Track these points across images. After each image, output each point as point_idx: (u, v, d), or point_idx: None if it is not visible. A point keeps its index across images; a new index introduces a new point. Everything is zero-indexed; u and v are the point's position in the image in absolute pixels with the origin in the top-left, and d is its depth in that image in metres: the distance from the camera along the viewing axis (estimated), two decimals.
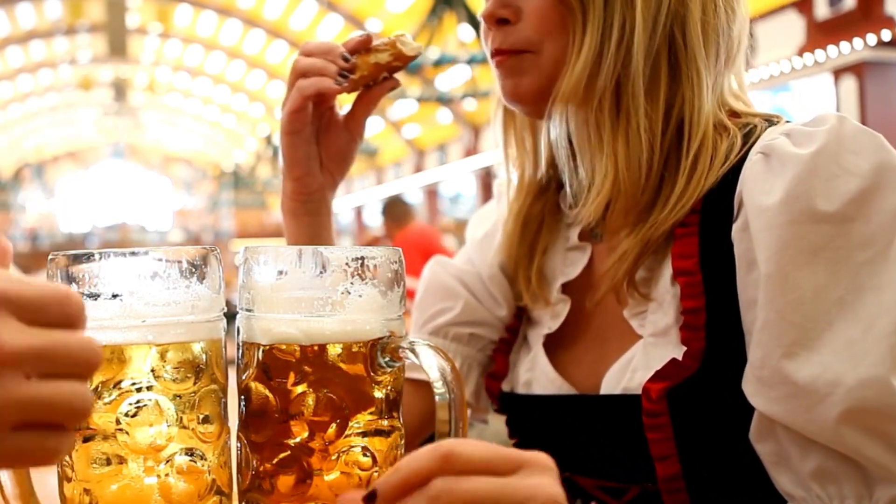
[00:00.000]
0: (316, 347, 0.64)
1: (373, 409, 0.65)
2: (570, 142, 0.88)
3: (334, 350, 0.64)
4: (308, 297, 0.64)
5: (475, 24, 8.54)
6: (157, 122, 31.69)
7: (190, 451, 0.63)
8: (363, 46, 0.92)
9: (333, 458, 0.64)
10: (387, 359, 0.65)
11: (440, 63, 8.21)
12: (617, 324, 0.87)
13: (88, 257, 0.62)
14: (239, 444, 0.68)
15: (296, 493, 0.64)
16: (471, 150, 19.38)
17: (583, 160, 0.87)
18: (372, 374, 0.65)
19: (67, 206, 34.73)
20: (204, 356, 0.65)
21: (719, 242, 0.76)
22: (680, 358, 0.78)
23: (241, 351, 0.68)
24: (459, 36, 8.82)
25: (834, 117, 0.74)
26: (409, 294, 3.33)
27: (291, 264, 0.65)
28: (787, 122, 0.81)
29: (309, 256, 0.65)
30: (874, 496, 0.66)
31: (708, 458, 0.77)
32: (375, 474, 0.65)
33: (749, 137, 0.80)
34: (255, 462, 0.65)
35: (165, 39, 24.85)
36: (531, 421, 0.95)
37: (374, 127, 22.81)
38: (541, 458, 0.52)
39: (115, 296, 0.62)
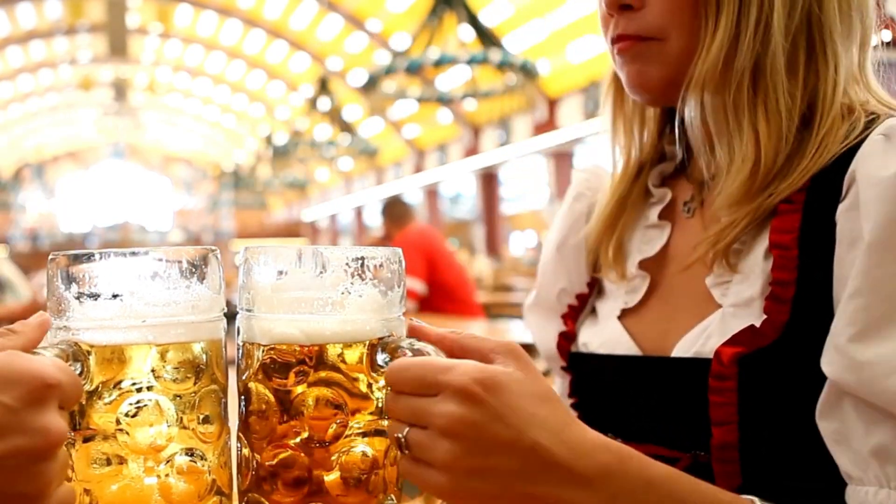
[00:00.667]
0: (316, 347, 0.64)
1: (373, 409, 0.65)
2: (704, 124, 0.87)
3: (334, 350, 0.64)
4: (308, 298, 0.64)
5: (475, 25, 8.54)
6: (157, 122, 31.72)
7: (190, 452, 0.63)
8: None
9: (334, 458, 0.64)
10: (387, 358, 0.64)
11: (440, 63, 8.20)
12: (696, 294, 0.87)
13: (89, 257, 0.62)
14: (239, 445, 0.68)
15: (296, 494, 0.64)
16: (471, 150, 19.40)
17: (720, 142, 0.86)
18: (372, 373, 0.65)
19: (67, 206, 34.74)
20: (204, 356, 0.65)
21: (823, 221, 0.76)
22: (758, 326, 0.77)
23: (241, 351, 0.68)
24: (459, 36, 8.81)
25: None
26: (410, 294, 3.36)
27: (291, 264, 0.65)
28: None
29: (309, 257, 0.65)
30: None
31: (767, 432, 0.76)
32: (376, 475, 0.65)
33: (872, 123, 0.79)
34: (255, 462, 0.65)
35: (165, 39, 24.87)
36: (594, 381, 0.96)
37: (374, 127, 22.85)
38: (461, 383, 0.57)
39: (115, 296, 0.62)
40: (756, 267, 0.80)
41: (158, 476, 0.61)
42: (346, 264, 0.64)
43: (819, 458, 0.73)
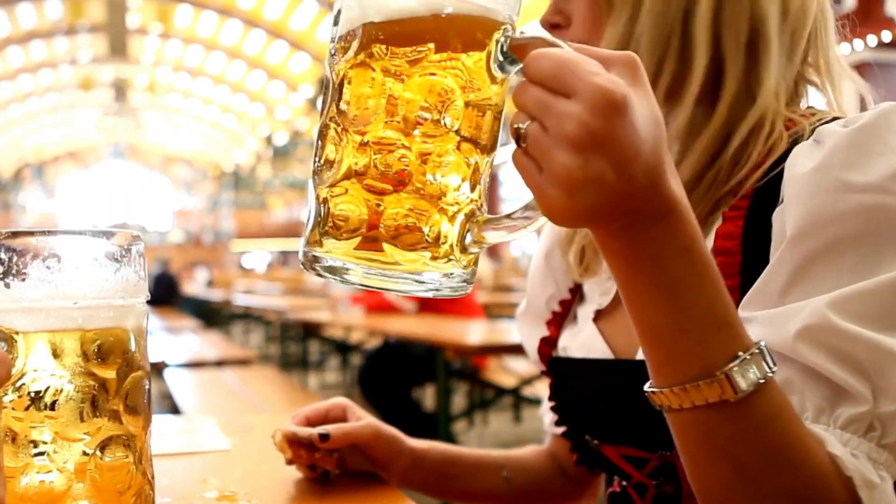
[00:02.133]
0: (441, 17, 0.55)
1: (480, 116, 0.58)
2: None
3: (457, 31, 0.56)
4: None
5: None
6: (158, 123, 31.69)
7: (119, 441, 0.61)
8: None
9: (433, 160, 0.57)
10: (505, 59, 0.57)
11: None
12: None
13: (17, 235, 0.60)
14: (321, 143, 0.59)
15: (387, 194, 0.56)
16: None
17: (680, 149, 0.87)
18: (490, 73, 0.57)
19: (67, 206, 34.71)
20: (133, 342, 0.63)
21: (762, 226, 0.77)
22: None
23: (337, 38, 0.59)
24: None
25: (888, 104, 0.74)
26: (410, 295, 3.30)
27: None
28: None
29: None
30: (835, 412, 0.67)
31: None
32: (468, 183, 0.58)
33: (811, 125, 0.80)
34: (344, 161, 0.57)
35: (166, 40, 24.85)
36: (570, 385, 0.97)
37: None
38: (600, 91, 0.52)
39: (42, 276, 0.59)
40: None
41: (86, 467, 0.60)
42: None
43: None
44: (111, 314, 0.62)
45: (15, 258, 0.59)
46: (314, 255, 0.59)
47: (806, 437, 0.62)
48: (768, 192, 0.78)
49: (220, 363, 4.97)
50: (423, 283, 0.58)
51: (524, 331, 1.11)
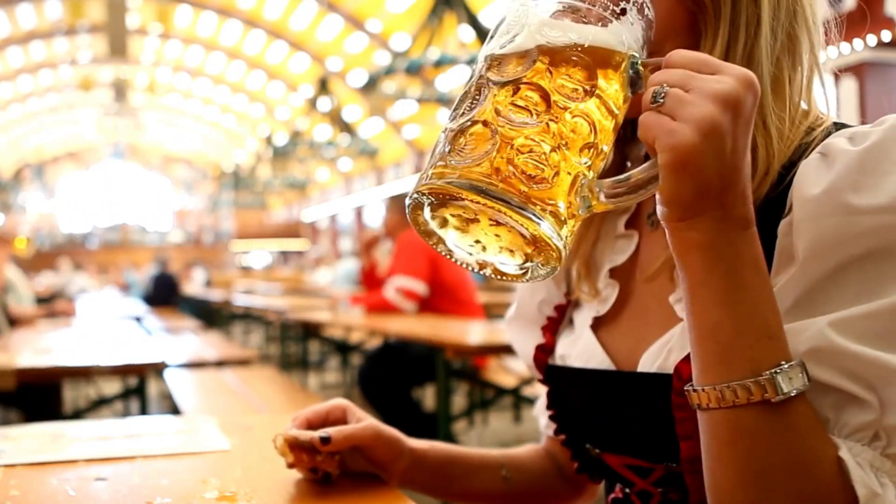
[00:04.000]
0: (592, 49, 0.62)
1: (610, 133, 0.63)
2: None
3: (606, 56, 0.62)
4: (584, 10, 0.63)
5: (475, 25, 8.54)
6: (157, 123, 31.69)
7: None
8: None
9: (562, 173, 0.59)
10: (637, 81, 0.64)
11: (440, 64, 8.20)
12: (661, 307, 0.87)
13: None
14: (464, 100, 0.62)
15: (530, 183, 0.58)
16: None
17: None
18: (626, 94, 0.64)
19: (67, 207, 34.70)
20: None
21: (767, 238, 0.77)
22: None
23: (505, 52, 0.64)
24: (459, 36, 8.81)
25: (895, 118, 0.73)
26: (411, 295, 3.36)
27: None
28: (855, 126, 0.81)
29: None
30: (841, 421, 0.68)
31: None
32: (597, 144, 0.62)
33: (813, 136, 0.80)
34: (500, 147, 0.58)
35: (166, 40, 24.84)
36: (570, 394, 0.97)
37: (374, 127, 22.84)
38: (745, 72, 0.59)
39: None
40: None
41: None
42: None
43: None
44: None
45: None
46: (431, 184, 0.59)
47: (824, 444, 0.66)
48: (773, 202, 0.78)
49: (220, 363, 4.97)
50: (526, 238, 0.59)
51: (515, 336, 1.11)
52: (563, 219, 0.59)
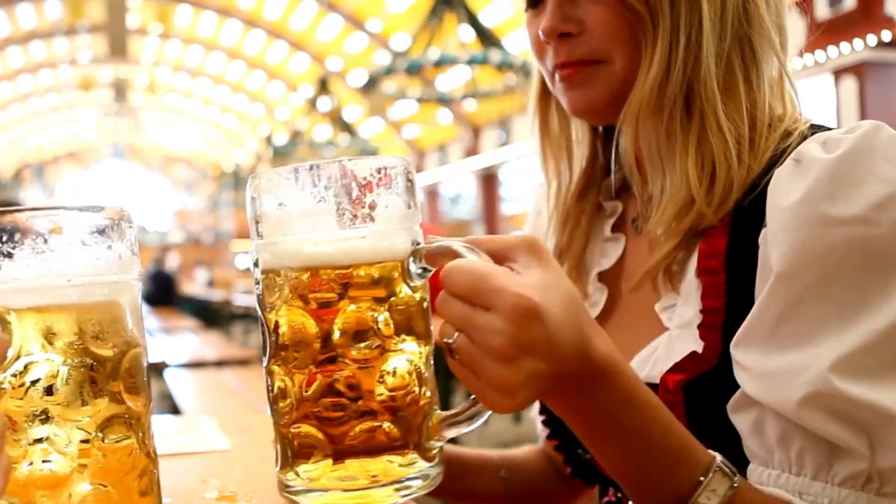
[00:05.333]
0: (350, 263, 0.62)
1: (411, 322, 0.64)
2: (637, 151, 0.88)
3: (368, 264, 0.62)
4: (333, 213, 0.62)
5: (476, 25, 8.54)
6: (157, 123, 31.67)
7: (121, 420, 0.59)
8: None
9: (377, 376, 0.62)
10: (419, 267, 0.63)
11: (440, 64, 8.20)
12: (647, 314, 0.87)
13: (5, 213, 0.57)
14: (270, 380, 0.64)
15: (343, 415, 0.62)
16: (471, 151, 19.38)
17: (653, 169, 0.86)
18: (407, 283, 0.64)
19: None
20: (129, 318, 0.61)
21: (747, 246, 0.76)
22: (700, 352, 0.78)
23: (262, 283, 0.65)
24: (459, 36, 8.81)
25: (870, 124, 0.73)
26: None
27: (311, 183, 0.62)
28: (828, 130, 0.79)
29: (331, 172, 0.62)
30: (833, 469, 0.68)
31: (720, 451, 0.77)
32: (417, 388, 0.64)
33: (789, 142, 0.79)
34: (295, 391, 0.63)
35: (165, 40, 24.84)
36: None
37: (374, 127, 22.83)
38: (517, 305, 0.57)
39: (36, 254, 0.57)
40: (692, 289, 0.81)
41: (89, 450, 0.58)
42: (371, 174, 0.62)
43: None
44: (105, 290, 0.60)
45: (5, 237, 0.57)
46: (287, 483, 0.66)
47: None
48: (750, 209, 0.77)
49: (220, 363, 4.97)
50: (397, 486, 0.64)
51: None
52: (416, 462, 0.65)
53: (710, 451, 0.68)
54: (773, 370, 0.70)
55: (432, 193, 21.94)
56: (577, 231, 0.98)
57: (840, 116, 8.73)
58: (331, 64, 22.00)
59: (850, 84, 8.54)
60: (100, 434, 0.58)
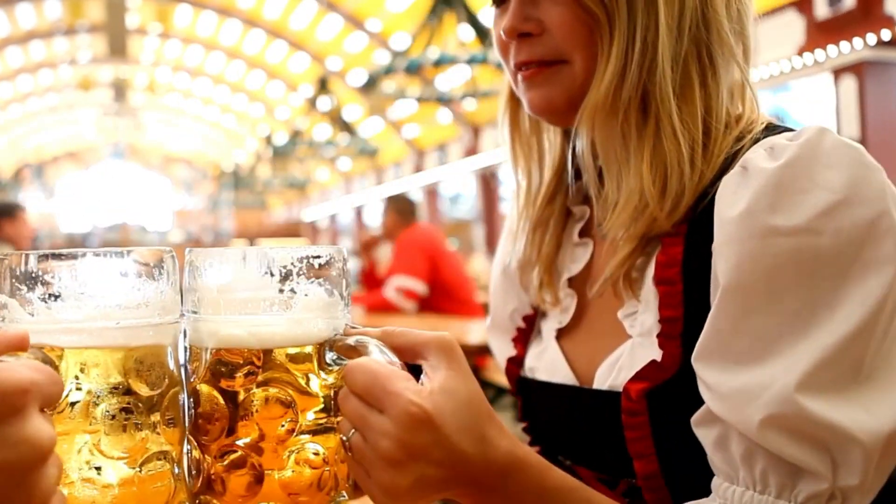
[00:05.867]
0: (263, 348, 0.64)
1: (322, 407, 0.66)
2: (593, 155, 0.88)
3: (282, 350, 0.64)
4: (254, 298, 0.64)
5: (475, 25, 8.53)
6: (157, 123, 31.68)
7: (161, 455, 0.62)
8: None
9: (284, 457, 0.64)
10: (335, 356, 0.65)
11: (440, 63, 8.19)
12: (612, 321, 0.87)
13: (53, 257, 0.60)
14: (189, 447, 0.67)
15: (248, 493, 0.64)
16: (471, 150, 19.39)
17: (609, 172, 0.86)
18: (320, 372, 0.66)
19: (67, 207, 34.71)
20: (170, 359, 0.64)
21: (703, 255, 0.76)
22: (660, 360, 0.78)
23: (188, 354, 0.67)
24: (459, 36, 8.80)
25: (813, 130, 0.72)
26: (410, 294, 3.37)
27: (237, 265, 0.65)
28: (783, 131, 0.79)
29: (254, 257, 0.65)
30: (796, 489, 0.68)
31: (685, 457, 0.77)
32: (326, 472, 0.65)
33: (741, 145, 0.79)
34: (205, 464, 0.65)
35: (165, 40, 24.85)
36: (539, 407, 0.97)
37: (374, 127, 22.84)
38: (407, 412, 0.59)
39: (83, 298, 0.60)
40: (651, 297, 0.81)
41: (129, 482, 0.60)
42: (292, 263, 0.65)
43: None
44: (151, 333, 0.63)
45: (56, 278, 0.60)
46: None
47: None
48: (703, 217, 0.77)
49: None
50: None
51: (493, 344, 1.12)
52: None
53: None
54: (733, 390, 0.69)
55: (432, 193, 21.94)
56: (548, 235, 0.98)
57: (840, 116, 8.73)
58: (330, 63, 22.01)
59: (849, 83, 8.54)
60: (139, 468, 0.61)
